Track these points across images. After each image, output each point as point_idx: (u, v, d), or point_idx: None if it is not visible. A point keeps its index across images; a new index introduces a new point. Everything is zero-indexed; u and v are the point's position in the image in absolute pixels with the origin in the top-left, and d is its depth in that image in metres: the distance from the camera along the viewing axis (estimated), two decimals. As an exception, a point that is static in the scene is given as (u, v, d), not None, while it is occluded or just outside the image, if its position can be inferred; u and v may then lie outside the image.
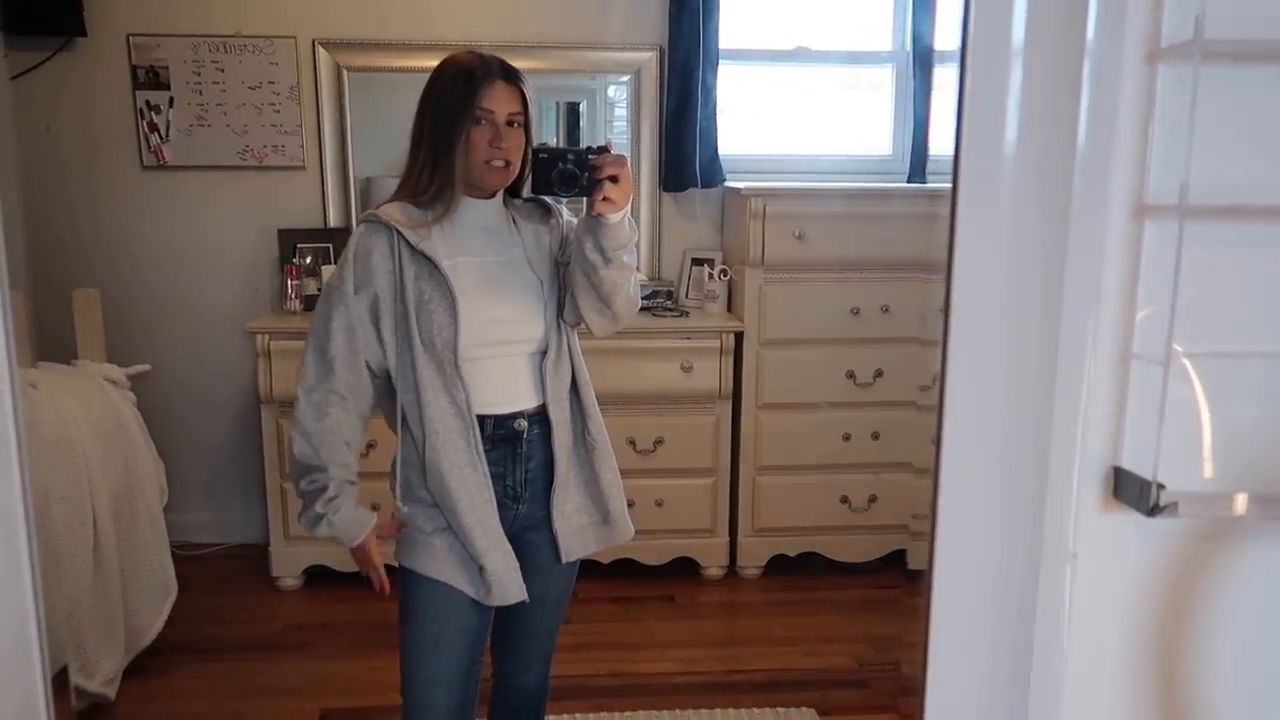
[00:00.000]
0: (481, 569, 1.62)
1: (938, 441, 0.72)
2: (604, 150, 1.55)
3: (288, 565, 3.18)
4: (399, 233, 1.58)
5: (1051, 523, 0.73)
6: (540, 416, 1.66)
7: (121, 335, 3.12)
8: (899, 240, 3.11)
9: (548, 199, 1.70)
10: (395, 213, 1.61)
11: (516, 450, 1.65)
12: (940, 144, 3.34)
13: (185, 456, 3.39)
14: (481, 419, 1.61)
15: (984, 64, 0.71)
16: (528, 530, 1.69)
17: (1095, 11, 0.68)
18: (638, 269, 1.69)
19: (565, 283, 1.67)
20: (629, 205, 1.55)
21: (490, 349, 1.62)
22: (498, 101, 1.57)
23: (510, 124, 1.59)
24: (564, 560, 1.71)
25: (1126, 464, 0.74)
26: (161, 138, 3.23)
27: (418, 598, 1.66)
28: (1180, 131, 0.69)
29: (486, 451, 1.62)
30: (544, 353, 1.66)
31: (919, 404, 3.13)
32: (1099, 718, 0.79)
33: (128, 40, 3.18)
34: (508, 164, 1.60)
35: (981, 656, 0.76)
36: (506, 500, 1.66)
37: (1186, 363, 0.74)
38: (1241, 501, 0.75)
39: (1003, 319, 0.72)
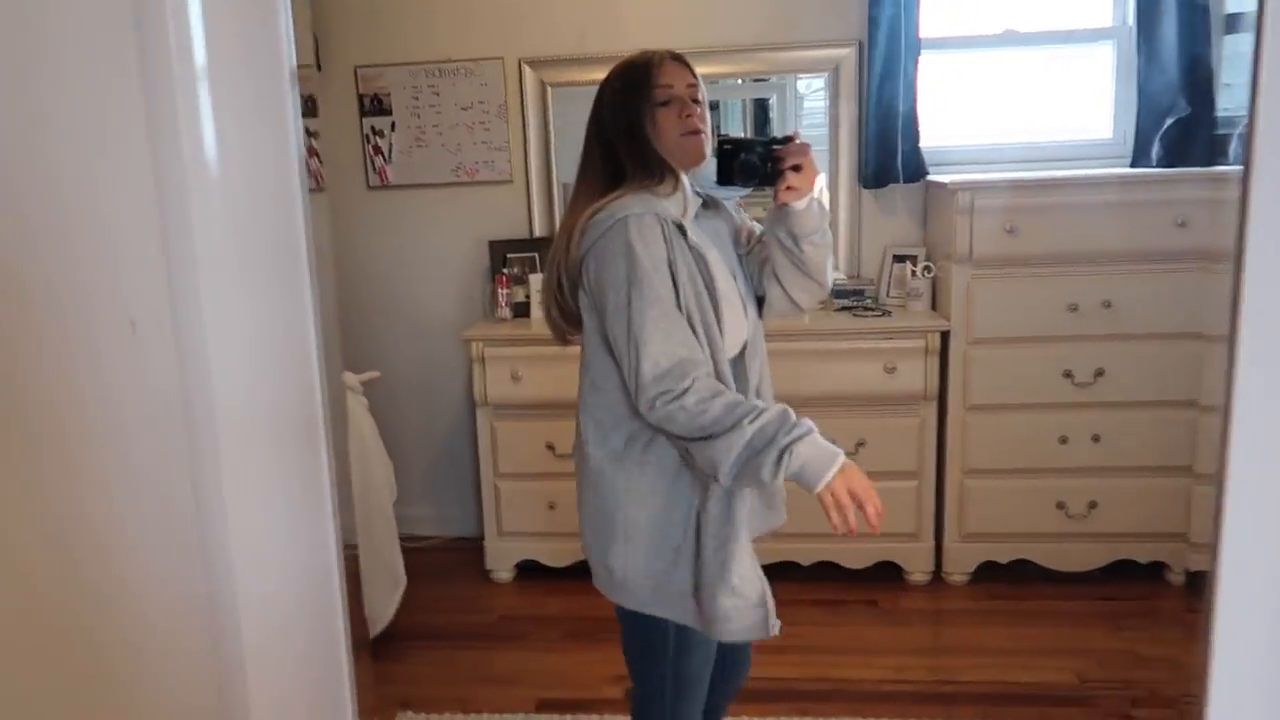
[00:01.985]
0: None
1: (1223, 444, 0.69)
2: (788, 140, 1.57)
3: (500, 559, 3.36)
4: (679, 226, 1.51)
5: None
6: None
7: (353, 343, 3.39)
8: (1122, 230, 2.91)
9: (714, 195, 1.70)
10: (652, 205, 1.51)
11: None
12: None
13: (408, 455, 3.64)
14: None
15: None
16: None
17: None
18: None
19: (760, 270, 1.68)
20: (815, 190, 1.57)
21: (734, 350, 1.58)
22: (674, 77, 1.59)
23: (693, 99, 1.61)
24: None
25: None
26: (385, 159, 3.48)
27: (690, 653, 1.63)
28: None
29: None
30: (744, 349, 1.61)
31: (1188, 402, 2.92)
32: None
33: (355, 72, 3.44)
34: (700, 133, 1.59)
35: (1264, 669, 0.72)
36: None
37: None
38: None
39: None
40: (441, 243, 3.55)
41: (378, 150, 3.48)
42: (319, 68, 3.41)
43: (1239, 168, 0.64)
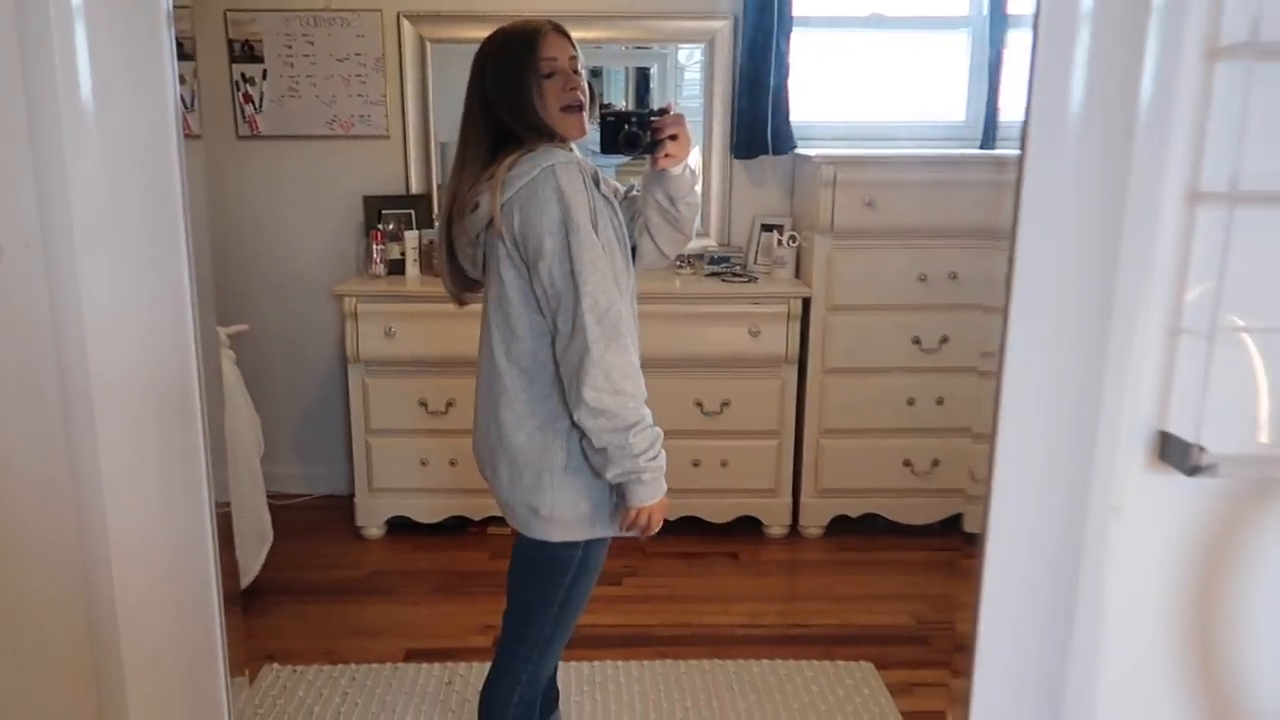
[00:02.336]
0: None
1: (996, 404, 0.81)
2: (664, 112, 1.71)
3: (371, 515, 3.37)
4: (594, 174, 1.62)
5: (1099, 481, 0.81)
6: None
7: (220, 297, 3.31)
8: (969, 207, 3.13)
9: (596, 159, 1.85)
10: (566, 156, 1.60)
11: None
12: (1008, 111, 3.34)
13: (278, 412, 3.59)
14: None
15: (1053, 31, 0.77)
16: None
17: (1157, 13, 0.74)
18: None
19: (630, 224, 1.80)
20: (687, 159, 1.72)
21: (629, 297, 1.70)
22: (557, 49, 1.65)
23: (574, 71, 1.66)
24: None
25: (1172, 428, 0.81)
26: (256, 108, 3.39)
27: (585, 566, 1.72)
28: (1234, 124, 0.75)
29: None
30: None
31: (980, 369, 3.17)
32: (1138, 669, 0.87)
33: (225, 16, 3.33)
34: (581, 107, 1.66)
35: (1029, 610, 0.85)
36: None
37: (1235, 336, 0.81)
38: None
39: (1061, 288, 0.80)
40: (314, 196, 3.49)
41: (248, 99, 3.39)
42: (186, 5, 3.28)
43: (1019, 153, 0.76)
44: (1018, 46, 3.33)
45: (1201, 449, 0.78)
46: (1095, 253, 0.78)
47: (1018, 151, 0.76)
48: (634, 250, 1.82)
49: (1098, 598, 0.85)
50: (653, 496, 1.60)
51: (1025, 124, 0.75)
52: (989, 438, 0.82)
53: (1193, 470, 0.79)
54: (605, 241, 1.59)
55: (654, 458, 1.57)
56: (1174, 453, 0.80)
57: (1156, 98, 0.75)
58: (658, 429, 1.59)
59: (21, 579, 0.99)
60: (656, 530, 1.64)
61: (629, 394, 1.54)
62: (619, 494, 1.62)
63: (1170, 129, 0.75)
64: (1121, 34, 0.73)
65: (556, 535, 1.67)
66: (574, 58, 1.67)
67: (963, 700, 0.90)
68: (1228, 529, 0.83)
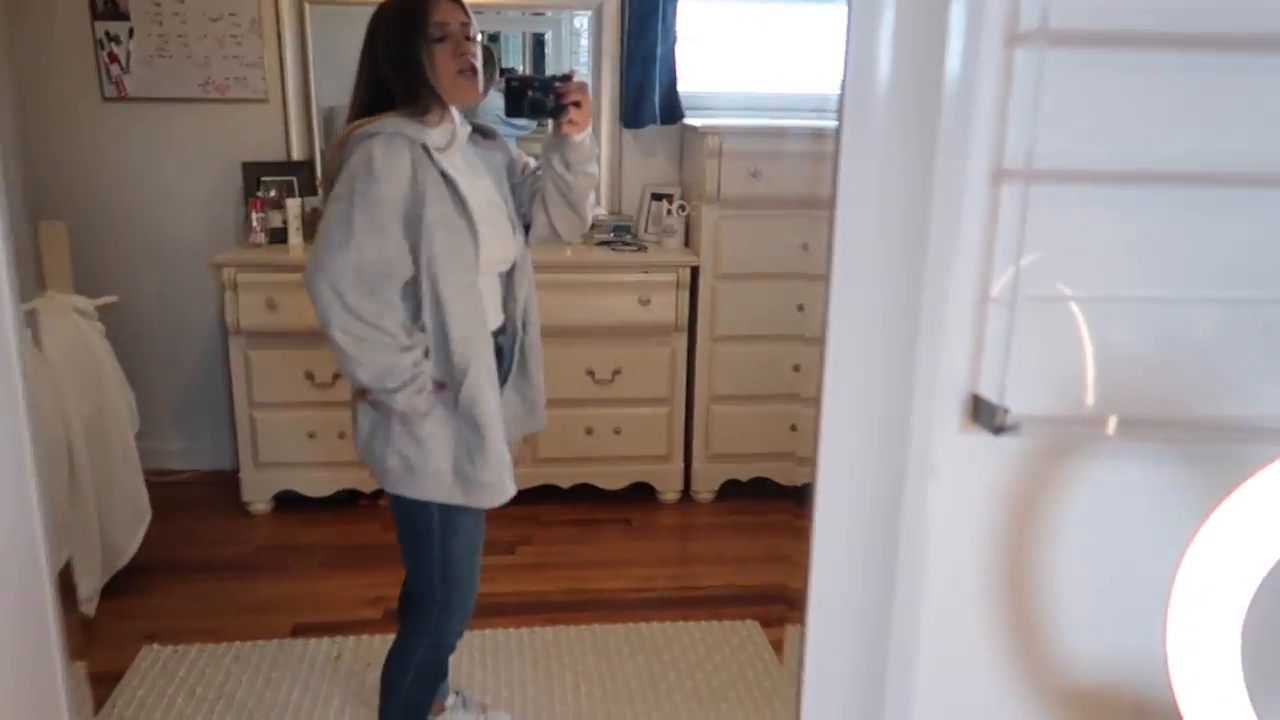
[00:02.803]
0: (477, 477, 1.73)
1: (820, 369, 0.84)
2: (568, 79, 1.72)
3: (257, 490, 3.30)
4: (425, 149, 1.62)
5: (916, 442, 0.86)
6: (505, 328, 1.86)
7: (88, 267, 3.17)
8: (824, 177, 3.20)
9: (492, 128, 1.87)
10: (407, 129, 1.62)
11: (500, 363, 1.83)
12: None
13: (156, 386, 3.47)
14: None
15: (863, 6, 0.80)
16: None
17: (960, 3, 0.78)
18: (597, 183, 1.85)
19: (530, 199, 1.83)
20: (590, 126, 1.75)
21: (491, 266, 1.76)
22: (448, 14, 1.67)
23: (467, 37, 1.69)
24: None
25: (982, 391, 0.87)
26: (122, 69, 3.23)
27: (456, 527, 1.80)
28: (1031, 106, 0.80)
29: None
30: (511, 270, 1.84)
31: (806, 336, 3.28)
32: (957, 619, 0.93)
33: (85, -32, 3.16)
34: (475, 71, 1.69)
35: (855, 565, 0.90)
36: None
37: (1038, 304, 0.86)
38: (1083, 423, 0.88)
39: (877, 259, 0.84)
40: (189, 161, 3.36)
41: (113, 58, 3.23)
42: (40, -39, 3.10)
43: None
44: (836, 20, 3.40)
45: (1006, 410, 0.84)
46: (907, 225, 0.82)
47: (834, 123, 0.80)
48: (528, 226, 1.86)
49: (919, 553, 0.90)
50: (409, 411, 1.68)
51: (841, 97, 0.78)
52: (815, 402, 0.86)
53: (998, 430, 0.84)
54: (436, 219, 1.61)
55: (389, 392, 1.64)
56: (983, 414, 0.86)
57: (962, 78, 0.79)
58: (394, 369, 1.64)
59: None
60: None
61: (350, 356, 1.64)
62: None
63: (974, 109, 0.79)
64: (926, 13, 0.77)
65: (405, 490, 1.74)
66: (466, 24, 1.69)
67: (798, 650, 0.95)
68: (1033, 486, 0.89)
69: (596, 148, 1.81)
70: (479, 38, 1.72)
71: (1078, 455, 0.90)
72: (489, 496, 1.75)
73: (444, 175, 1.64)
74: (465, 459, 1.72)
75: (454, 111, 1.74)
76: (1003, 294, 0.85)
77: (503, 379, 1.86)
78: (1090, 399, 0.87)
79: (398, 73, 1.66)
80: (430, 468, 1.71)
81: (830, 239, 0.81)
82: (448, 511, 1.77)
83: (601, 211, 3.51)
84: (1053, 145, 0.82)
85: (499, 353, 1.82)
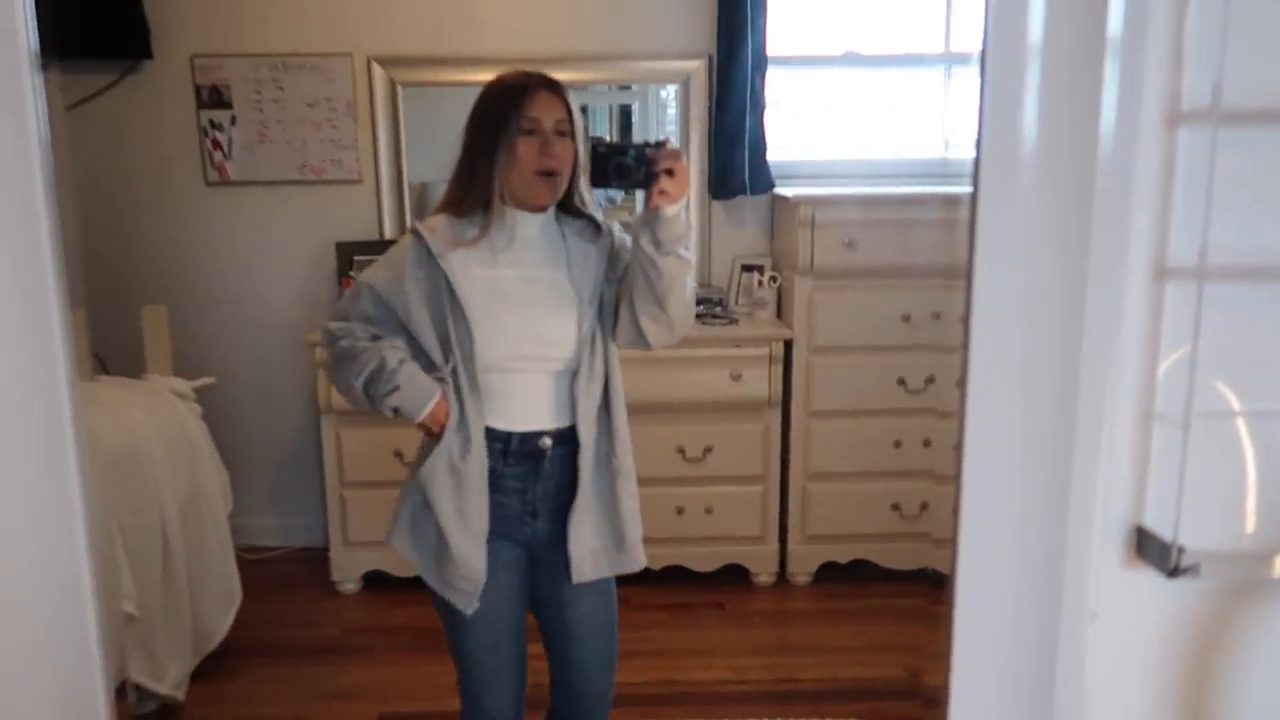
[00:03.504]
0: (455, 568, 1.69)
1: (957, 497, 0.73)
2: (661, 145, 1.60)
3: (347, 569, 3.28)
4: (427, 244, 1.65)
5: (1071, 581, 0.74)
6: (568, 436, 1.70)
7: (188, 348, 3.24)
8: (948, 245, 3.07)
9: (598, 217, 1.76)
10: (438, 223, 1.68)
11: (539, 467, 1.70)
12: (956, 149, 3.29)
13: (251, 463, 3.51)
14: (507, 434, 1.68)
15: (1002, 70, 0.71)
16: (547, 549, 1.74)
17: (1113, 76, 0.68)
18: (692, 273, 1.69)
19: (619, 295, 1.70)
20: (685, 199, 1.58)
21: (516, 363, 1.66)
22: (543, 109, 1.63)
23: (559, 133, 1.63)
24: (574, 580, 1.71)
25: (1149, 523, 0.74)
26: (225, 155, 3.34)
27: (460, 633, 1.76)
28: (1199, 194, 0.69)
29: (508, 466, 1.69)
30: (575, 372, 1.68)
31: (938, 410, 3.10)
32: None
33: (192, 62, 3.29)
34: (556, 174, 1.64)
35: (1004, 711, 0.77)
36: (525, 516, 1.72)
37: (1213, 421, 0.74)
38: (1272, 562, 0.74)
39: (1019, 362, 0.73)
40: (286, 243, 3.43)
41: (216, 145, 3.33)
42: (150, 55, 3.24)
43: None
44: (966, 82, 3.29)
45: (1181, 549, 0.71)
46: (1057, 317, 0.72)
47: (967, 189, 0.70)
48: (616, 323, 1.72)
49: (1076, 702, 0.77)
50: (416, 410, 1.64)
51: (976, 169, 0.69)
52: (952, 528, 0.75)
53: (1173, 572, 0.71)
54: (421, 305, 1.65)
55: (383, 386, 1.64)
56: (1151, 551, 0.73)
57: (1116, 157, 0.68)
58: (376, 356, 1.65)
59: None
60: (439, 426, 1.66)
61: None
62: None
63: (1131, 195, 0.69)
64: (1076, 83, 0.67)
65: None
66: (562, 121, 1.64)
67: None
68: (1212, 631, 0.75)
69: (690, 228, 1.63)
70: (579, 137, 1.66)
71: (1261, 598, 0.76)
72: (461, 599, 1.69)
73: (445, 272, 1.64)
74: (441, 546, 1.68)
75: (504, 213, 1.66)
76: (1169, 408, 0.72)
77: (554, 494, 1.72)
78: (1256, 529, 0.73)
79: (474, 155, 1.66)
80: (418, 542, 1.72)
81: (966, 339, 0.70)
82: (444, 602, 1.73)
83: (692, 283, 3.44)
84: (1224, 239, 0.70)
85: (540, 458, 1.69)
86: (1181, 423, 0.71)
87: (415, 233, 1.68)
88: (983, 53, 0.71)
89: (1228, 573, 0.72)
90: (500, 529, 1.71)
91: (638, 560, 1.78)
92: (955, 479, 0.72)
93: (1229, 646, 0.75)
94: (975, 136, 0.70)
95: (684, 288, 1.65)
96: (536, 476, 1.70)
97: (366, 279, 1.72)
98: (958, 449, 0.72)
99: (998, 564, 0.75)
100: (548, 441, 1.69)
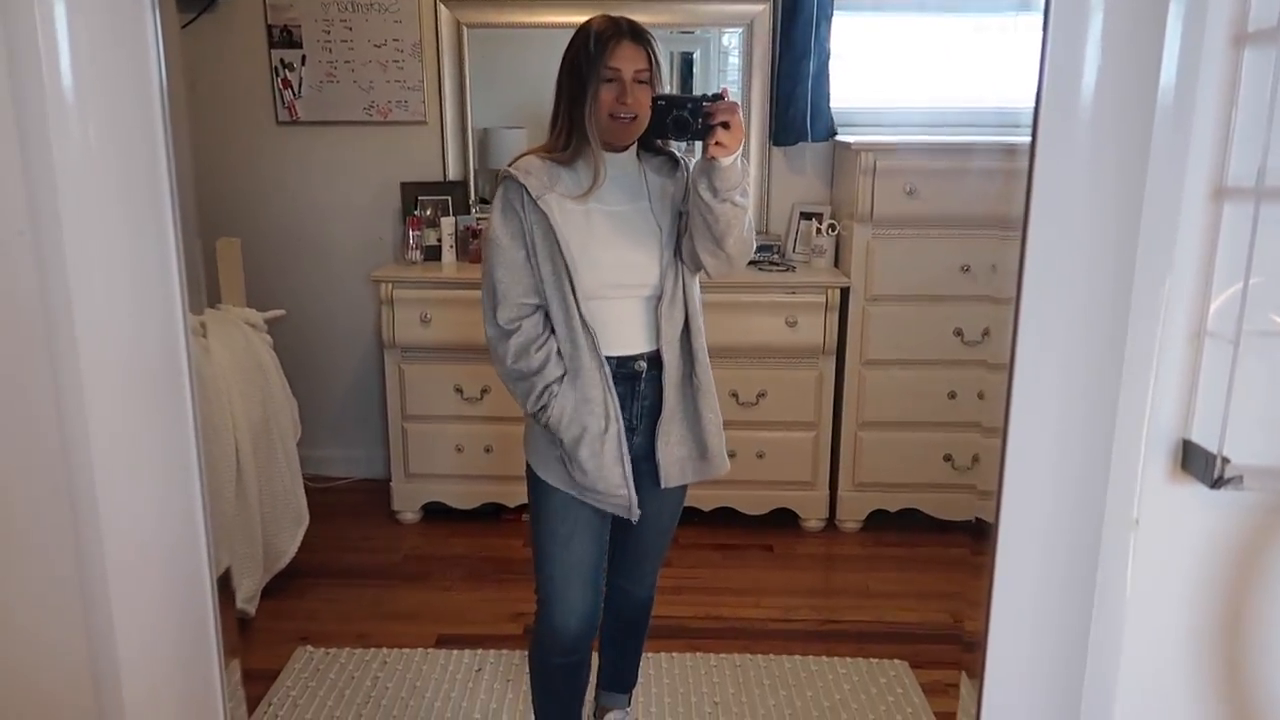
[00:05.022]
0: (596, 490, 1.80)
1: (1007, 403, 0.77)
2: (719, 98, 1.65)
3: (407, 500, 3.39)
4: (526, 192, 1.73)
5: (1116, 491, 0.76)
6: (655, 358, 1.82)
7: (259, 281, 3.35)
8: (1010, 196, 3.03)
9: (677, 153, 1.86)
10: (531, 165, 1.77)
11: (635, 388, 1.82)
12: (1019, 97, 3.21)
13: (317, 396, 3.63)
14: (609, 359, 1.79)
15: (1066, 12, 0.73)
16: (639, 459, 1.85)
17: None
18: (750, 214, 1.78)
19: (682, 229, 1.80)
20: (740, 149, 1.66)
21: (611, 291, 1.77)
22: (624, 60, 1.71)
23: (639, 81, 1.72)
24: (663, 485, 1.86)
25: (1195, 437, 0.76)
26: (295, 94, 3.41)
27: (549, 503, 1.85)
28: (1261, 115, 0.70)
29: (613, 387, 1.80)
30: (659, 297, 1.80)
31: (989, 362, 3.09)
32: (1158, 685, 0.83)
33: (264, 1, 3.35)
34: (634, 118, 1.72)
35: (1042, 617, 0.81)
36: (627, 432, 1.82)
37: (1265, 340, 0.76)
38: (1314, 477, 0.76)
39: (1075, 285, 0.75)
40: (352, 181, 3.51)
41: (287, 84, 3.41)
42: (225, -5, 3.31)
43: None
44: (1028, 29, 3.20)
45: (1226, 460, 0.74)
46: (1112, 249, 0.74)
47: (1028, 139, 0.72)
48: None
49: (1115, 611, 0.81)
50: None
51: (1036, 106, 0.71)
52: (1000, 436, 0.78)
53: (1216, 482, 0.74)
54: (542, 253, 1.73)
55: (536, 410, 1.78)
56: (1196, 463, 0.76)
57: (1178, 85, 0.70)
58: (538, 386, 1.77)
59: (14, 559, 1.00)
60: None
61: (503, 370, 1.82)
62: None
63: (1192, 119, 0.70)
64: (1139, 16, 0.68)
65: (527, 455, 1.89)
66: (642, 70, 1.72)
67: (971, 705, 0.86)
68: (1254, 544, 0.78)
69: (747, 175, 1.75)
70: (659, 77, 1.74)
71: (1308, 512, 0.78)
72: (580, 488, 1.80)
73: (548, 217, 1.72)
74: (570, 446, 1.79)
75: (599, 154, 1.75)
76: (1221, 326, 0.74)
77: (649, 412, 1.85)
78: (1328, 449, 0.75)
79: (565, 100, 1.76)
80: (535, 430, 1.83)
81: (1021, 259, 0.73)
82: (540, 483, 1.84)
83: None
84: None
85: (637, 379, 1.82)
86: (1232, 339, 0.73)
87: (510, 177, 1.76)
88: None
89: (1271, 485, 0.75)
90: None
91: (721, 467, 1.92)
92: (1005, 392, 0.75)
93: (1270, 559, 0.78)
94: (1038, 67, 0.72)
95: (742, 228, 1.74)
96: (633, 396, 1.83)
97: (494, 249, 1.78)
98: (1009, 363, 0.75)
99: (1044, 475, 0.78)
100: (642, 364, 1.81)
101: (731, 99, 1.66)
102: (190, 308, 1.01)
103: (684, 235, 1.79)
